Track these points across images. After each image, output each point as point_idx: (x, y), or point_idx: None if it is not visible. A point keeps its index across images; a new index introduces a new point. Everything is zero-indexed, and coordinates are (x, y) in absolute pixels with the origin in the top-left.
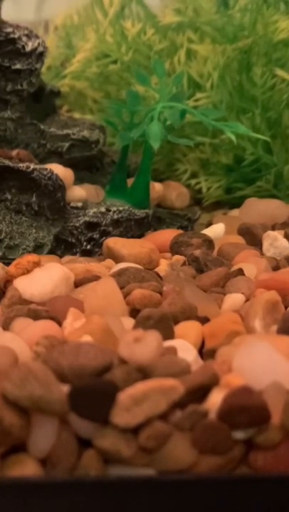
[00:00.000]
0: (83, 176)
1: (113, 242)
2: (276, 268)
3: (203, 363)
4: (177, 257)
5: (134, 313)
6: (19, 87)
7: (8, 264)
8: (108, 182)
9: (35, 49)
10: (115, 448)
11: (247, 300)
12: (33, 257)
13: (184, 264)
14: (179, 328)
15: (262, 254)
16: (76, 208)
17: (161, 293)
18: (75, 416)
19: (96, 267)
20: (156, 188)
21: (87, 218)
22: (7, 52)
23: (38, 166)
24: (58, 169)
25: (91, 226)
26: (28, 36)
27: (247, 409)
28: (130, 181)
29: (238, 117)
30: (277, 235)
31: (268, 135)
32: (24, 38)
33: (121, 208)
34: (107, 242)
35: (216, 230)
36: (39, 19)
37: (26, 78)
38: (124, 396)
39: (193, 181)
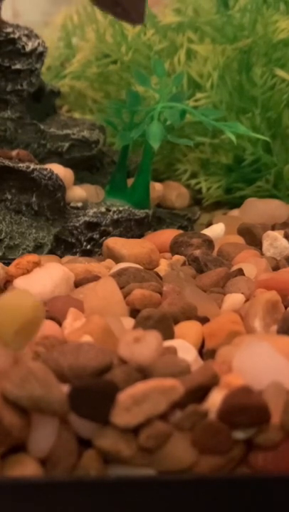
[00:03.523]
0: (83, 176)
1: (113, 242)
2: (276, 268)
3: (203, 363)
4: (177, 257)
5: (134, 313)
6: (19, 87)
7: (8, 264)
8: (108, 182)
9: (35, 49)
10: (115, 448)
11: (247, 300)
12: (33, 257)
13: (183, 264)
14: (179, 328)
15: (262, 254)
16: (76, 208)
17: (161, 293)
18: (75, 416)
19: (96, 267)
20: (156, 188)
21: (87, 218)
22: (7, 52)
23: (38, 166)
24: (58, 169)
25: (91, 226)
26: (28, 36)
27: (247, 409)
28: (130, 181)
29: (238, 117)
30: (277, 235)
31: (268, 135)
32: (24, 38)
33: (121, 208)
34: (107, 242)
35: (215, 230)
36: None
37: (26, 78)
38: (124, 396)
39: (193, 181)
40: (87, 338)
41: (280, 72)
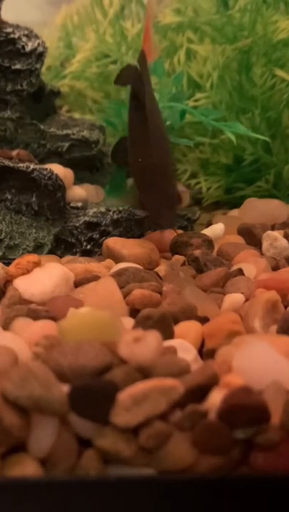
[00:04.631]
0: (83, 176)
1: (113, 242)
2: (276, 268)
3: (203, 362)
4: (177, 257)
5: (134, 313)
6: (19, 87)
7: (8, 264)
8: (108, 182)
9: (35, 49)
10: (115, 448)
11: (247, 300)
12: (33, 257)
13: (183, 264)
14: (179, 328)
15: (262, 254)
16: (76, 208)
17: (161, 293)
18: (75, 416)
19: (96, 267)
20: None
21: (87, 218)
22: (7, 52)
23: (38, 166)
24: (58, 169)
25: (91, 226)
26: (28, 36)
27: (247, 409)
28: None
29: (238, 117)
30: (277, 235)
31: (268, 135)
32: (24, 38)
33: (121, 208)
34: (107, 242)
35: (215, 230)
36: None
37: (26, 78)
38: (124, 396)
39: (193, 181)
40: None
41: (280, 72)
